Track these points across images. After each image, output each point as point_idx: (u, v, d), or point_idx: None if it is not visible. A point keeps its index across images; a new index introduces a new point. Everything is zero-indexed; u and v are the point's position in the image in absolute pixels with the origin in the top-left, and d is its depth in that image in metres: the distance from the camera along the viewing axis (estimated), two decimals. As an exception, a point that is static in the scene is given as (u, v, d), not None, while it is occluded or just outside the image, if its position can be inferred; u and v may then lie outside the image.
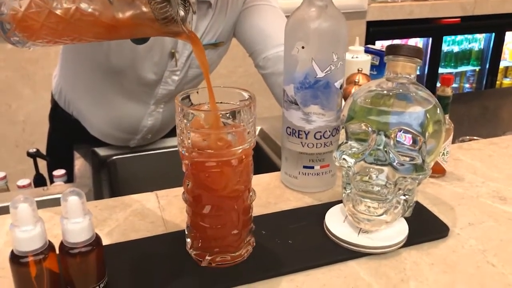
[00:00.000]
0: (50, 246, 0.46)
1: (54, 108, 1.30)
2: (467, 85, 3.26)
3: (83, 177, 1.19)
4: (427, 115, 0.55)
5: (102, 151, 1.31)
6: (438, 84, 2.15)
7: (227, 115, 0.48)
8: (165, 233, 0.60)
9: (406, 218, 0.60)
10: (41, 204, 1.10)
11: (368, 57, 1.25)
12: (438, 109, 0.57)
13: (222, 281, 0.51)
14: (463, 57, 3.20)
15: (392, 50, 0.59)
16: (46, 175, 1.35)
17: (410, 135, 0.55)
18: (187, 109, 0.48)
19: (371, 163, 0.56)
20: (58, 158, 1.33)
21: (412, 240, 0.58)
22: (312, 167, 0.67)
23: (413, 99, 0.57)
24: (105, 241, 0.58)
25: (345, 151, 0.58)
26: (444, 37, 3.05)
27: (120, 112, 1.16)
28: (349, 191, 0.58)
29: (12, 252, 0.45)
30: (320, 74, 0.63)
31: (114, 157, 1.31)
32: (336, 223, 0.59)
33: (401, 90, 0.57)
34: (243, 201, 0.52)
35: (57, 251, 0.47)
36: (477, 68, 3.21)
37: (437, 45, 3.03)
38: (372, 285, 0.51)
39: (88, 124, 1.25)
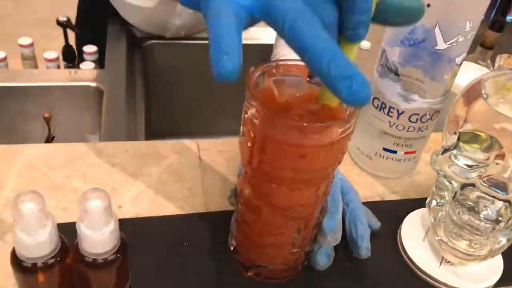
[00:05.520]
0: (62, 250, 0.36)
1: None
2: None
3: (116, 61, 1.06)
4: None
5: (138, 32, 1.16)
6: None
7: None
8: (204, 212, 0.49)
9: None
10: (67, 91, 0.99)
11: None
12: None
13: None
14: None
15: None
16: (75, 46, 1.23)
17: (550, 166, 0.41)
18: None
19: (485, 187, 0.42)
20: (89, 30, 1.19)
21: (506, 281, 0.46)
22: (395, 152, 0.54)
23: None
24: (131, 209, 0.48)
25: (453, 163, 0.44)
26: None
27: (146, 4, 0.99)
28: (440, 207, 0.46)
29: (14, 254, 0.35)
30: (442, 46, 0.46)
31: (152, 41, 1.16)
32: (414, 240, 0.48)
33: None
34: (313, 220, 0.40)
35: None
36: None
37: None
38: None
39: (121, 11, 1.09)
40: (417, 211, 0.51)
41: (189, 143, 0.57)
